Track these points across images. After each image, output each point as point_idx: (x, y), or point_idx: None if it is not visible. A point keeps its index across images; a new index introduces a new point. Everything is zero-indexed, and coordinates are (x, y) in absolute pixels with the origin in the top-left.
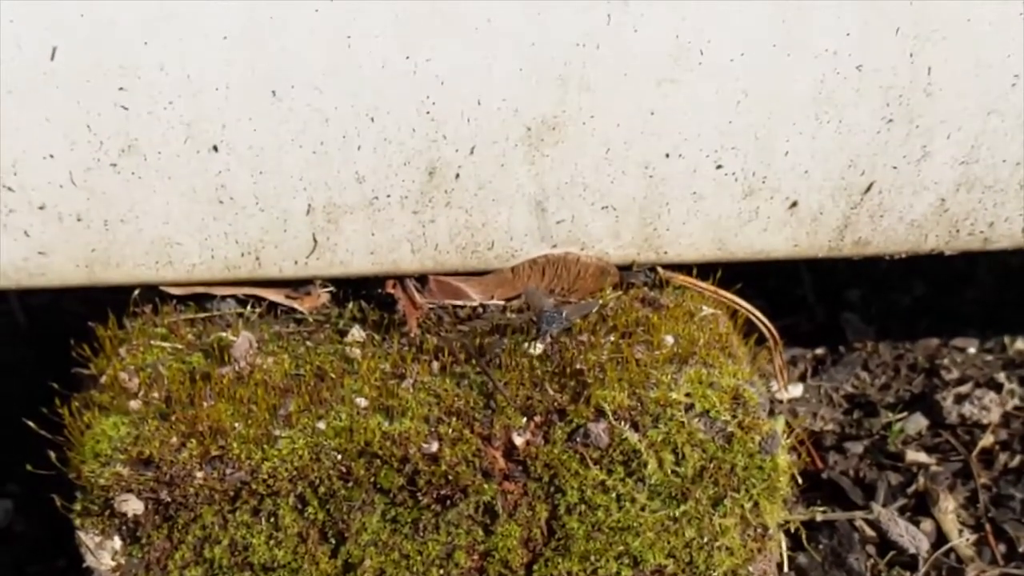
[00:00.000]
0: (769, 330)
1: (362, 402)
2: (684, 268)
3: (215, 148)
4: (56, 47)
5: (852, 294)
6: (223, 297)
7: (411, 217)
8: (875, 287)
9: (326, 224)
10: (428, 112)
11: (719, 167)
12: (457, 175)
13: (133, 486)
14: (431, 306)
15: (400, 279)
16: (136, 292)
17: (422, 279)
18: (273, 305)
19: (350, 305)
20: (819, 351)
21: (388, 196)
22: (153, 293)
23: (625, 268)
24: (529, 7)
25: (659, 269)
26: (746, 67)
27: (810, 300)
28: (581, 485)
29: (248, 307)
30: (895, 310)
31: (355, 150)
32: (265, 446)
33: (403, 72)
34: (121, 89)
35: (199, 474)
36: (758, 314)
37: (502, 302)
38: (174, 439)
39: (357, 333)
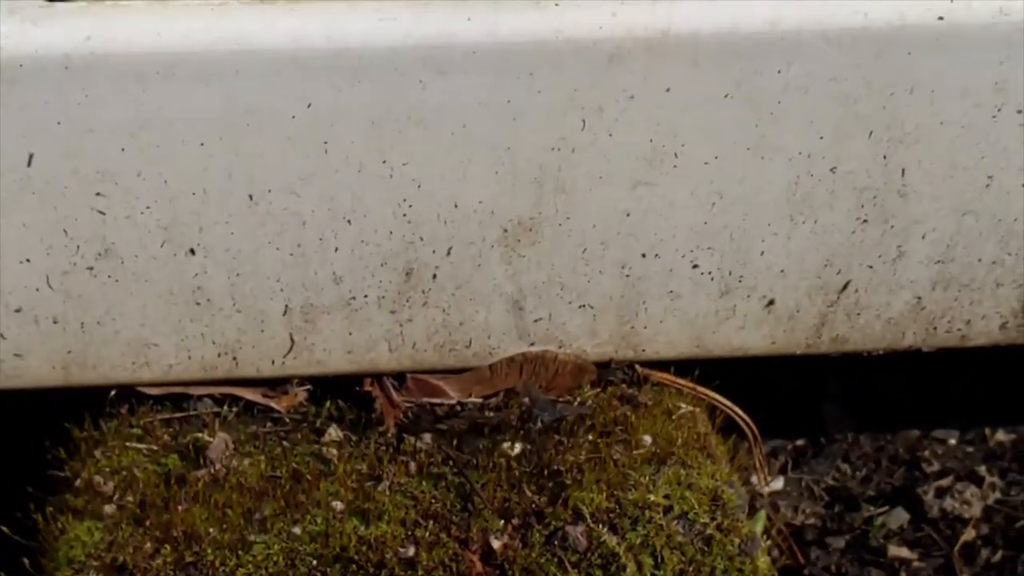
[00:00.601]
0: (748, 425)
1: (338, 505)
2: (662, 365)
3: (192, 251)
4: (33, 154)
5: (832, 385)
6: (200, 397)
7: (388, 317)
8: (855, 378)
9: (303, 324)
10: (405, 215)
11: (695, 267)
12: (434, 275)
13: None
14: (409, 404)
15: (378, 377)
16: (112, 393)
17: (400, 377)
18: (250, 404)
19: (327, 404)
20: (800, 442)
21: (365, 296)
22: (130, 393)
23: (603, 365)
24: (504, 112)
25: (637, 366)
26: (720, 170)
27: (790, 391)
28: None
29: (225, 406)
30: (875, 401)
31: (332, 252)
32: (240, 552)
33: (380, 176)
34: (98, 194)
35: None
36: (737, 410)
37: (480, 400)
38: (148, 545)
39: (334, 433)
